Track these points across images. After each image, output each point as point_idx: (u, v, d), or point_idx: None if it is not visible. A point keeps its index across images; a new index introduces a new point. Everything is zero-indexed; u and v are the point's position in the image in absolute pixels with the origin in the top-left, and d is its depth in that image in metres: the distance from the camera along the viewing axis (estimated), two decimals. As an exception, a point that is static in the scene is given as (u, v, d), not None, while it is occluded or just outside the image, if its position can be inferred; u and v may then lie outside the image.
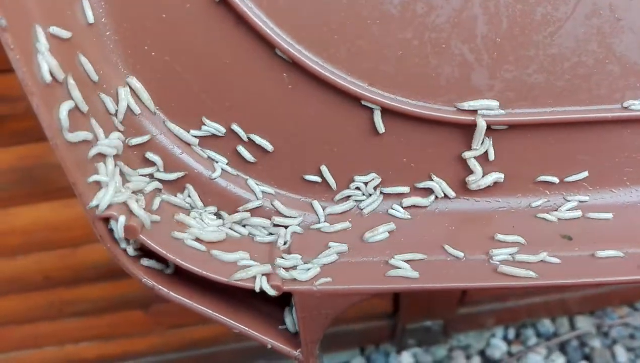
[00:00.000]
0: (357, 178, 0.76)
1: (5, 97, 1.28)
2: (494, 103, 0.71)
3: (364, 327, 2.01)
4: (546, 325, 2.16)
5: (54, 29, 0.59)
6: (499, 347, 2.10)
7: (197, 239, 0.67)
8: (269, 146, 0.74)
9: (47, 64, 0.56)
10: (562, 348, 2.09)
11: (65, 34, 0.60)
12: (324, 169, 0.76)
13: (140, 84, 0.69)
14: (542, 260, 0.70)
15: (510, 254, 0.70)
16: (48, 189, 1.45)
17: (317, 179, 0.76)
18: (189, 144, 0.73)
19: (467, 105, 0.71)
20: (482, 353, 2.10)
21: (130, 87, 0.69)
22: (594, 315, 2.17)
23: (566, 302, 2.12)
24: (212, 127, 0.72)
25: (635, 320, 2.14)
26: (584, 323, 2.14)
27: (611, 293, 2.10)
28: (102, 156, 0.63)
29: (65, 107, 0.58)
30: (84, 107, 0.61)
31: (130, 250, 0.64)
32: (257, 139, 0.73)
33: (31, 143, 1.36)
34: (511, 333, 2.15)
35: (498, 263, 0.69)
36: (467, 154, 0.74)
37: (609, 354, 2.04)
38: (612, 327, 2.13)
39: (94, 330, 1.77)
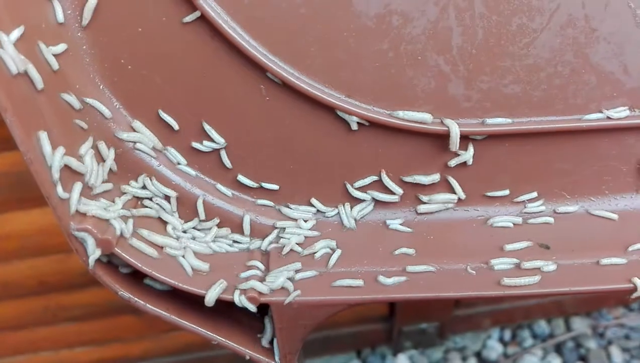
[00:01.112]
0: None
1: (-4, 104, 1.28)
2: (428, 116, 0.71)
3: (360, 329, 2.01)
4: (542, 326, 2.15)
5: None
6: (495, 349, 2.10)
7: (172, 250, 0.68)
8: (220, 140, 0.73)
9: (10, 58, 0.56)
10: (558, 349, 2.08)
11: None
12: (314, 201, 0.77)
13: (145, 127, 0.71)
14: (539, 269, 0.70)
15: (511, 264, 0.71)
16: (41, 194, 1.44)
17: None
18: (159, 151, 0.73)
19: (402, 113, 0.71)
20: (478, 354, 2.10)
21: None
22: (590, 316, 2.17)
23: (562, 304, 2.11)
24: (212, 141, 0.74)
25: (631, 320, 2.14)
26: (580, 325, 2.14)
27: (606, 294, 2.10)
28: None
29: (45, 135, 0.59)
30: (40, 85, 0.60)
31: (125, 269, 0.65)
32: (213, 133, 0.73)
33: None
34: (507, 334, 2.15)
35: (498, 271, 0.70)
36: (452, 162, 0.74)
37: (605, 355, 2.04)
38: (607, 328, 2.12)
39: (88, 334, 1.77)
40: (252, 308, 0.66)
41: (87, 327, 1.75)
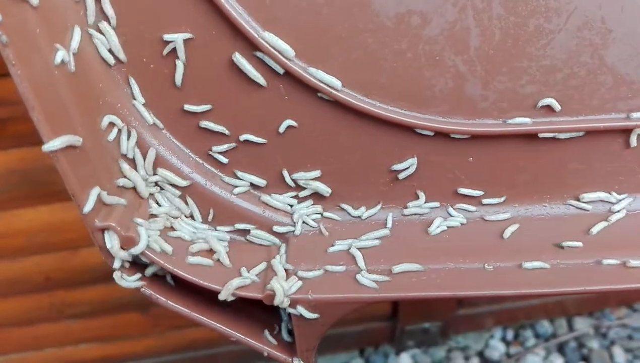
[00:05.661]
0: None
1: (5, 101, 1.29)
2: None
3: (363, 328, 2.02)
4: (544, 326, 2.16)
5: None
6: (497, 348, 2.11)
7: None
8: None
9: None
10: (561, 349, 2.09)
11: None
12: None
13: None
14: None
15: None
16: (47, 192, 1.46)
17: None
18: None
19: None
20: (480, 354, 2.11)
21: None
22: (592, 316, 2.17)
23: (564, 303, 2.12)
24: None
25: (634, 321, 2.15)
26: (582, 325, 2.15)
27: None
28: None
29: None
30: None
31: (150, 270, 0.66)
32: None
33: (31, 146, 1.37)
34: (510, 334, 2.16)
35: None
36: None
37: (607, 355, 2.05)
38: (610, 328, 2.13)
39: (93, 331, 1.77)
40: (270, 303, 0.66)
41: (92, 324, 1.75)
